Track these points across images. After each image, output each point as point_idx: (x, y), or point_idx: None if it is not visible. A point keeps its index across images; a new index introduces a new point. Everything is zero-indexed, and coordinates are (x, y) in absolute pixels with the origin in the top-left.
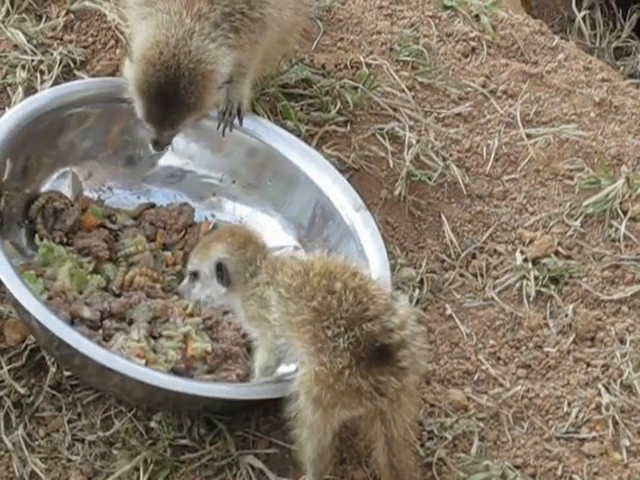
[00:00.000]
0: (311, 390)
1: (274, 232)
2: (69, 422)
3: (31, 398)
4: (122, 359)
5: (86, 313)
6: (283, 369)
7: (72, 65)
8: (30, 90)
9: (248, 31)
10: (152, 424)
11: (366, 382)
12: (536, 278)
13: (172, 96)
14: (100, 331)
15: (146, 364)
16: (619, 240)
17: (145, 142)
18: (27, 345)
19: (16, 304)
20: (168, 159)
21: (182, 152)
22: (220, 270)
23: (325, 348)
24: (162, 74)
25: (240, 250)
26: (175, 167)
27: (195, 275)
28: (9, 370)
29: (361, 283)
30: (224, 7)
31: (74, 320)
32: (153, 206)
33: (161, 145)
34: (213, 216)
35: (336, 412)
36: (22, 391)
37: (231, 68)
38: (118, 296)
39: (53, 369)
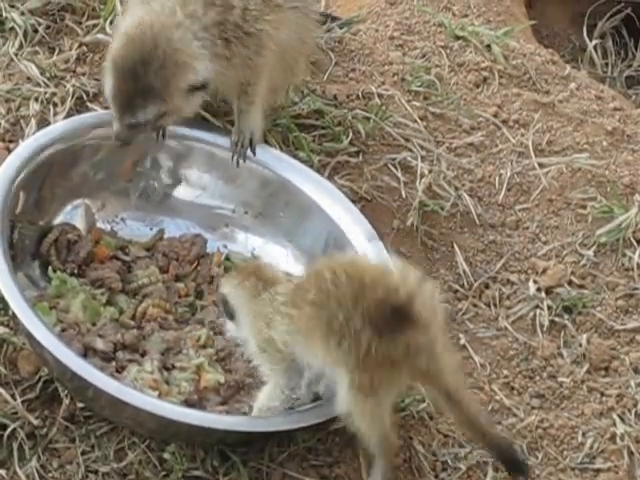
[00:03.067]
0: (352, 381)
1: (287, 263)
2: (83, 454)
3: (45, 430)
4: (135, 391)
5: (99, 345)
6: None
7: (85, 97)
8: (43, 122)
9: (240, 45)
10: (165, 455)
11: (395, 348)
12: (549, 308)
13: (141, 76)
14: (113, 363)
15: (159, 396)
16: (633, 269)
17: (159, 174)
18: (40, 377)
19: (29, 336)
20: (181, 191)
21: (195, 183)
22: (225, 304)
23: (343, 336)
24: (138, 51)
25: (242, 283)
26: (187, 198)
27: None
28: (23, 402)
29: (347, 263)
30: (218, 14)
31: (87, 352)
32: (162, 232)
33: (120, 137)
34: (225, 247)
35: (383, 393)
36: (36, 423)
37: (209, 75)
38: (131, 328)
39: (66, 401)
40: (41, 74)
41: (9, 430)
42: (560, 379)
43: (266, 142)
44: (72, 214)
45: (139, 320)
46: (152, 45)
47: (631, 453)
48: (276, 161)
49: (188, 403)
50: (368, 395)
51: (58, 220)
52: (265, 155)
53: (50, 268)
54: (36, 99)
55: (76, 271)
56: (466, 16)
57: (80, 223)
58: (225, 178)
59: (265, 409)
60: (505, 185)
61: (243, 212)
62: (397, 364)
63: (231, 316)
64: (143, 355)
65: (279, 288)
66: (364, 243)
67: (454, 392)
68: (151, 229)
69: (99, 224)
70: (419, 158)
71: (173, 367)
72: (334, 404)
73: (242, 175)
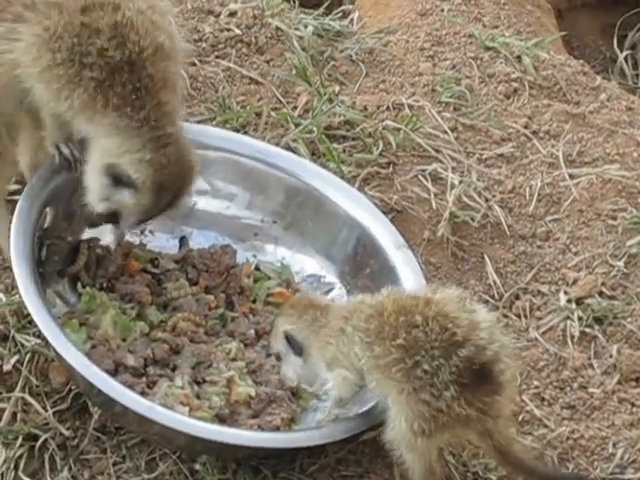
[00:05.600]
0: (418, 427)
1: (316, 272)
2: (114, 465)
3: (76, 440)
4: (162, 409)
5: (130, 361)
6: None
7: None
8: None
9: None
10: (197, 467)
11: (473, 409)
12: (580, 318)
13: None
14: (144, 379)
15: (190, 411)
16: None
17: None
18: (71, 388)
19: (57, 355)
20: (209, 201)
21: (222, 194)
22: (290, 341)
23: (424, 384)
24: None
25: (302, 318)
26: (215, 209)
27: (278, 357)
28: (54, 413)
29: (438, 309)
30: None
31: (118, 368)
32: (185, 240)
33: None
34: (255, 257)
35: (441, 438)
36: (67, 433)
37: None
38: (162, 342)
39: (97, 412)
40: None
41: (40, 441)
42: (591, 390)
43: (295, 152)
44: (100, 228)
45: (169, 334)
46: None
47: None
48: (304, 170)
49: (219, 417)
50: (425, 438)
51: (86, 235)
52: (293, 165)
53: (79, 283)
54: None
55: (106, 285)
56: (496, 27)
57: (109, 237)
58: (253, 188)
59: (339, 401)
60: (535, 196)
61: (272, 222)
62: (469, 422)
63: (300, 352)
64: (174, 370)
65: (357, 314)
66: (393, 251)
67: (505, 447)
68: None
69: (128, 237)
70: (449, 169)
71: (204, 381)
72: (366, 419)
73: (270, 185)
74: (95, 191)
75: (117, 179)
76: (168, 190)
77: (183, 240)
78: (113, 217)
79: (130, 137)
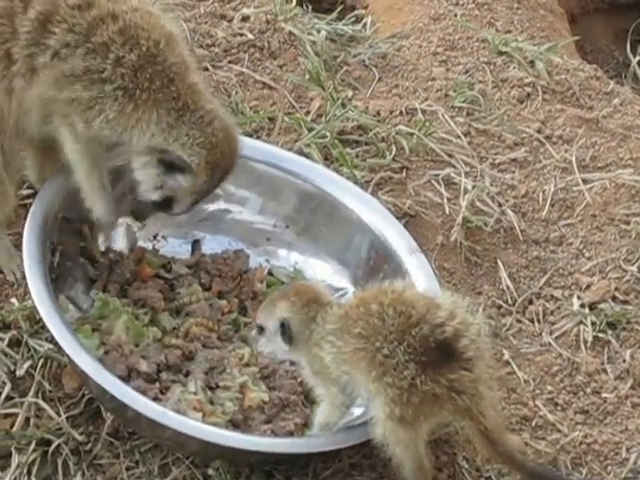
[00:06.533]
0: (392, 412)
1: (329, 276)
2: (127, 469)
3: (89, 445)
4: (175, 415)
5: (143, 367)
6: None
7: None
8: None
9: None
10: (210, 472)
11: (439, 385)
12: (593, 323)
13: None
14: (157, 384)
15: (203, 417)
16: None
17: None
18: (84, 393)
19: (70, 360)
20: (221, 206)
21: (236, 199)
22: (284, 329)
23: (387, 369)
24: None
25: (303, 309)
26: (228, 214)
27: (261, 329)
28: (67, 418)
29: (394, 296)
30: None
31: (131, 374)
32: (198, 243)
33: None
34: (268, 262)
35: (421, 424)
36: (80, 438)
37: None
38: (174, 348)
39: (110, 416)
40: None
41: (54, 446)
42: (604, 395)
43: (308, 157)
44: (113, 234)
45: (182, 339)
46: None
47: None
48: (317, 175)
49: (233, 423)
50: (406, 426)
51: (99, 240)
52: (306, 169)
53: (93, 290)
54: None
55: (119, 291)
56: (509, 32)
57: (122, 242)
58: (266, 193)
59: (324, 424)
60: (549, 201)
61: (284, 227)
62: (439, 400)
63: (290, 340)
64: (187, 375)
65: (329, 316)
66: (406, 256)
67: (491, 432)
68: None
69: (140, 243)
70: (463, 174)
71: (217, 386)
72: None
73: (283, 190)
74: (148, 182)
75: (170, 165)
76: (222, 167)
77: (196, 244)
78: (166, 204)
79: (176, 126)
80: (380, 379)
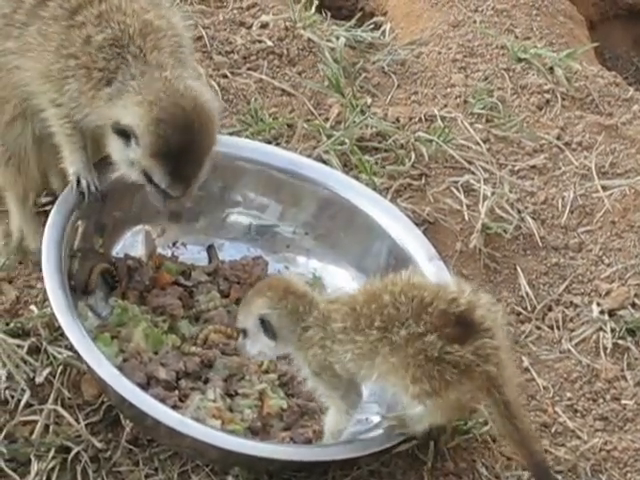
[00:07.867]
0: (422, 391)
1: (347, 283)
2: (146, 477)
3: (108, 453)
4: (193, 422)
5: (162, 374)
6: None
7: None
8: None
9: None
10: (229, 479)
11: (466, 351)
12: (613, 330)
13: None
14: (176, 392)
15: (222, 424)
16: None
17: (216, 196)
18: (104, 400)
19: (88, 367)
20: (241, 213)
21: (255, 205)
22: (265, 325)
23: (410, 349)
24: None
25: (281, 302)
26: (246, 221)
27: (245, 332)
28: (86, 425)
29: (404, 283)
30: None
31: (150, 381)
32: (212, 248)
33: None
34: (287, 268)
35: (449, 396)
36: (99, 446)
37: None
38: (193, 356)
39: (130, 424)
40: None
41: (73, 453)
42: (624, 401)
43: (327, 164)
44: (132, 240)
45: (201, 346)
46: None
47: None
48: (336, 182)
49: (251, 430)
50: (440, 396)
51: (119, 247)
52: (325, 176)
53: (112, 297)
54: None
55: (138, 298)
56: (528, 38)
57: (141, 249)
58: (285, 200)
59: (335, 432)
60: (568, 208)
61: (304, 233)
62: (468, 367)
63: (273, 336)
64: (206, 382)
65: (332, 314)
66: (425, 262)
67: (513, 405)
68: None
69: (160, 250)
70: (482, 181)
71: (236, 393)
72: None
73: (302, 197)
74: (120, 161)
75: (123, 134)
76: (167, 122)
77: (211, 249)
78: (149, 182)
79: (120, 96)
80: (406, 360)
